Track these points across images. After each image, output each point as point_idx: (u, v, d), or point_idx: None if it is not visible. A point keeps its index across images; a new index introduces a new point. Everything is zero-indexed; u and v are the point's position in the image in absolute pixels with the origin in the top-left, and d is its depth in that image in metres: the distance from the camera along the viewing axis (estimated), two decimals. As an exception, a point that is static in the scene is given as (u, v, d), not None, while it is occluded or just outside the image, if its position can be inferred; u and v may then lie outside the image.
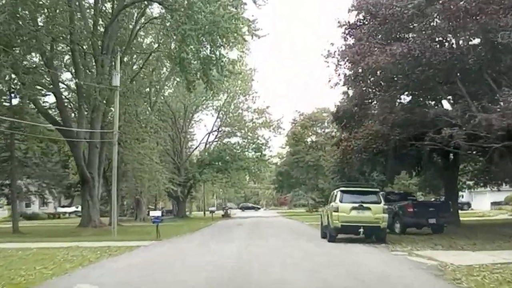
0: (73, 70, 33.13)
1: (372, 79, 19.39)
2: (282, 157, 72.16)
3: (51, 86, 33.06)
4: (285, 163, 66.68)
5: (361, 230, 17.14)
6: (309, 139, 66.67)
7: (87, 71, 32.61)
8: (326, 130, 67.19)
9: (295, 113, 67.30)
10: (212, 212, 48.04)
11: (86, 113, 33.38)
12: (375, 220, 17.37)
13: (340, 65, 21.82)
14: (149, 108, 45.09)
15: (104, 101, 31.82)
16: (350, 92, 25.80)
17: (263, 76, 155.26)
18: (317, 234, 23.33)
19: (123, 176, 39.25)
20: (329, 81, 23.16)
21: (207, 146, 61.13)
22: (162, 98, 54.20)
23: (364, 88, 21.11)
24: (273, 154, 67.37)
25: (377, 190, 19.74)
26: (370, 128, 18.79)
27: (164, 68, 45.59)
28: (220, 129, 60.69)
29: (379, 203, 17.79)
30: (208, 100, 58.73)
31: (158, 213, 24.56)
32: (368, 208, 17.47)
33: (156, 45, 39.17)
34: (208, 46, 27.55)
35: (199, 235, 25.87)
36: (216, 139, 61.46)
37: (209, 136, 61.03)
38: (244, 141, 59.45)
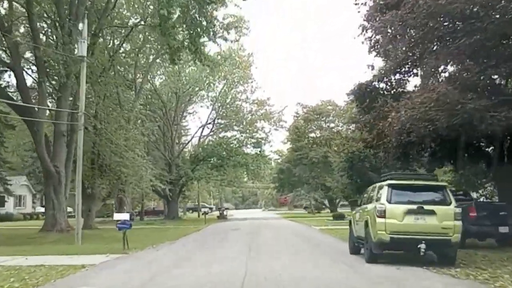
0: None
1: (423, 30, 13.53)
2: (282, 154, 66.37)
3: (9, 60, 27.46)
4: (287, 160, 60.95)
5: (423, 245, 11.22)
6: (313, 134, 61.06)
7: (51, 40, 26.91)
8: (331, 125, 61.73)
9: (297, 106, 61.72)
10: (205, 213, 42.10)
11: (49, 92, 27.66)
12: (442, 231, 11.50)
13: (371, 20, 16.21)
14: (134, 95, 39.36)
15: (74, 78, 26.10)
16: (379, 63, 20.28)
17: (264, 66, 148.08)
18: (339, 245, 17.70)
19: (102, 172, 33.60)
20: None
21: (201, 140, 55.36)
22: (151, 85, 48.62)
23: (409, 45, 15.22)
24: (274, 149, 61.77)
25: (444, 184, 13.82)
26: (432, 93, 12.54)
27: (152, 50, 39.91)
28: (215, 122, 54.96)
29: (449, 204, 11.84)
30: (202, 89, 53.18)
31: (124, 216, 18.76)
32: (432, 212, 11.55)
33: (138, 19, 33.37)
34: (196, 5, 21.87)
35: (180, 246, 20.02)
36: (212, 133, 55.72)
37: (203, 129, 55.40)
38: (242, 136, 53.82)
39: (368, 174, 38.93)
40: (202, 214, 42.73)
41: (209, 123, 54.63)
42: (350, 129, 60.17)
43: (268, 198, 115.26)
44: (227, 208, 79.14)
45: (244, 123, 53.09)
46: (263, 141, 53.01)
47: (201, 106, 58.91)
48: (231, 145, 51.30)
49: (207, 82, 50.99)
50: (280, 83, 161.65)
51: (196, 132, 56.56)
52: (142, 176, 35.20)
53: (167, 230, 30.54)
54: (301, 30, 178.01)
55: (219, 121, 54.57)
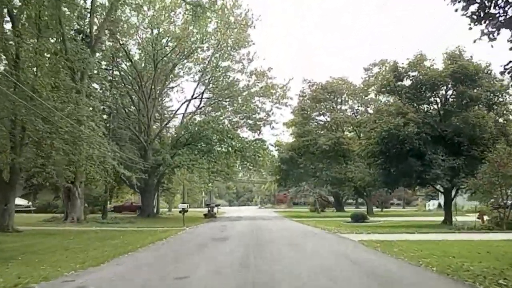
0: None
1: None
2: (280, 144, 55.13)
3: None
4: (290, 147, 50.23)
5: None
6: (322, 118, 50.65)
7: None
8: (345, 106, 51.19)
9: (303, 84, 51.12)
10: (183, 211, 31.18)
11: None
12: None
13: None
14: (88, 50, 28.49)
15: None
16: None
17: (262, 41, 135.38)
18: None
19: (23, 145, 22.98)
20: None
21: (186, 120, 44.30)
22: (121, 47, 37.87)
23: None
24: (276, 132, 51.12)
25: None
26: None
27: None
28: (203, 97, 44.04)
29: None
30: (186, 55, 42.30)
31: None
32: None
33: None
34: None
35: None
36: (199, 111, 44.78)
37: (188, 105, 44.40)
38: (236, 117, 43.13)
39: (408, 161, 28.54)
40: (180, 212, 31.57)
41: (195, 97, 43.75)
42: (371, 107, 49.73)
43: (265, 194, 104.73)
44: (217, 205, 68.48)
45: (240, 100, 42.33)
46: (262, 123, 42.28)
47: (187, 80, 47.61)
48: (222, 125, 40.44)
49: (193, 43, 40.10)
50: (279, 62, 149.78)
51: (179, 109, 45.67)
52: (93, 157, 24.50)
53: (114, 237, 19.80)
54: (299, 7, 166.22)
55: (208, 95, 43.72)
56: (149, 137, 41.72)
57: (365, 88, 49.32)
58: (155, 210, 46.28)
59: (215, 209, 52.12)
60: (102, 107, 32.05)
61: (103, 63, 36.05)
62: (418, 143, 27.27)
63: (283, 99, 43.32)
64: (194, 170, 36.65)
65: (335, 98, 49.24)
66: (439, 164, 27.06)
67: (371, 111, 50.01)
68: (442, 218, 31.45)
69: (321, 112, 49.17)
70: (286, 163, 48.79)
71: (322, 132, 48.81)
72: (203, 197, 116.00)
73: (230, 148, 39.40)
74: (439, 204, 65.17)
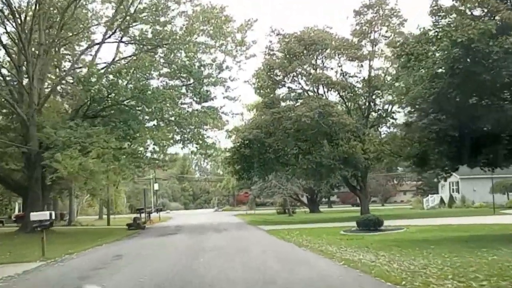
0: None
1: None
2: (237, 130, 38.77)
3: None
4: (255, 125, 34.76)
5: None
6: (302, 80, 35.60)
7: None
8: (330, 62, 36.49)
9: (270, 37, 36.03)
10: (38, 227, 15.34)
11: None
12: None
13: None
14: None
15: None
16: None
17: None
18: None
19: None
20: None
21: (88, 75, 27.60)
22: None
23: None
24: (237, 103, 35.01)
25: None
26: None
27: None
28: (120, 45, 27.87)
29: None
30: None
31: None
32: None
33: None
34: None
35: None
36: (114, 66, 28.41)
37: (96, 54, 28.21)
38: (170, 69, 27.41)
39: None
40: (35, 227, 15.61)
41: (109, 38, 27.37)
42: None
43: (222, 195, 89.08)
44: (159, 209, 52.77)
45: (173, 44, 26.56)
46: (210, 82, 26.82)
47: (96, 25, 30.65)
48: (146, 84, 24.51)
49: None
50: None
51: (81, 55, 29.31)
52: None
53: None
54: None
55: (128, 39, 27.59)
56: (31, 107, 25.72)
57: (359, 38, 35.05)
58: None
59: (146, 218, 36.87)
60: None
61: None
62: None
63: (241, 49, 28.03)
64: (90, 151, 20.69)
65: (317, 53, 34.78)
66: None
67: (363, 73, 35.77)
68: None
69: (296, 74, 34.35)
70: (249, 146, 33.64)
71: (299, 102, 34.10)
72: (163, 201, 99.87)
73: (159, 117, 24.01)
74: (441, 200, 52.20)
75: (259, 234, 23.27)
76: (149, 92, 23.22)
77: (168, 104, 23.28)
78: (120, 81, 22.79)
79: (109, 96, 23.79)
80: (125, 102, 24.49)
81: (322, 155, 32.03)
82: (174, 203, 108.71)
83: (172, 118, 24.13)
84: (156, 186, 79.44)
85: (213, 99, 26.77)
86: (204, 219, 45.88)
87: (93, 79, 22.01)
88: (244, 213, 58.37)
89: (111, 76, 23.59)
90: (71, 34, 29.00)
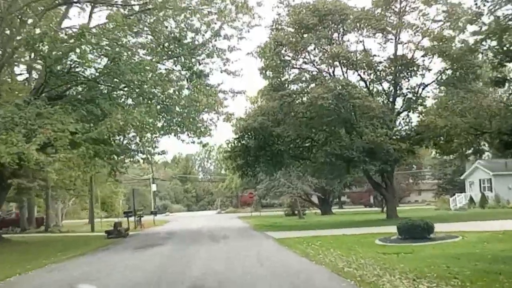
0: None
1: None
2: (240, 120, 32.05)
3: None
4: (260, 112, 28.93)
5: None
6: (316, 58, 29.72)
7: None
8: (349, 36, 30.67)
9: (278, 8, 30.30)
10: None
11: None
12: None
13: None
14: None
15: None
16: None
17: None
18: None
19: None
20: None
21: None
22: None
23: None
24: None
25: None
26: None
27: None
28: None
29: None
30: None
31: None
32: None
33: None
34: None
35: None
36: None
37: (66, 15, 22.48)
38: (154, 37, 21.65)
39: None
40: None
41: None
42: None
43: (225, 196, 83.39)
44: (154, 212, 47.29)
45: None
46: (203, 52, 21.10)
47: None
48: (122, 49, 18.84)
49: None
50: None
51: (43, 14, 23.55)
52: None
53: None
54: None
55: None
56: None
57: (382, 8, 29.35)
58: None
59: (150, 218, 31.52)
60: None
61: None
62: None
63: (242, 12, 22.22)
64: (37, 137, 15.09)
65: (333, 25, 29.10)
66: None
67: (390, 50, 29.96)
68: None
69: (309, 51, 28.54)
70: (254, 137, 27.96)
71: (313, 84, 28.35)
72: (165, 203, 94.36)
73: (134, 93, 18.42)
74: (471, 199, 46.39)
75: (268, 245, 17.65)
76: (124, 59, 17.65)
77: (149, 77, 17.67)
78: (85, 48, 17.26)
79: (72, 68, 18.25)
80: (94, 76, 18.92)
81: (343, 145, 26.33)
82: (177, 205, 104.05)
83: (156, 96, 18.53)
84: (154, 187, 73.82)
85: (207, 76, 21.22)
86: (204, 222, 40.39)
87: (46, 41, 16.48)
88: (248, 215, 52.78)
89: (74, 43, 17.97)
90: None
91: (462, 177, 49.95)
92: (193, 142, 21.15)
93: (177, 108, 20.02)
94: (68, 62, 18.58)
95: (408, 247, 14.81)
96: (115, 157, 20.95)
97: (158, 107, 19.20)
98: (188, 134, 21.17)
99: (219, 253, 14.90)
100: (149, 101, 18.36)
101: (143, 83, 17.58)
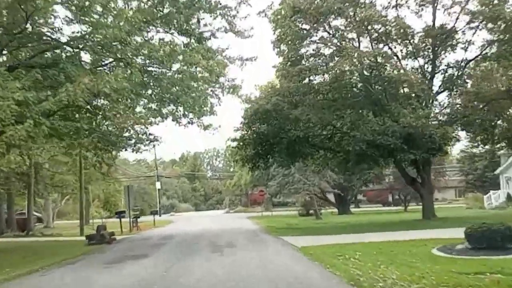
0: None
1: None
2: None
3: None
4: (274, 93, 24.03)
5: None
6: (340, 24, 24.68)
7: None
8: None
9: None
10: None
11: None
12: None
13: None
14: None
15: None
16: None
17: None
18: None
19: None
20: None
21: None
22: None
23: None
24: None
25: None
26: None
27: None
28: None
29: None
30: None
31: None
32: None
33: None
34: None
35: None
36: None
37: None
38: None
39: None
40: None
41: None
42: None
43: (234, 194, 78.55)
44: (154, 212, 42.87)
45: None
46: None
47: None
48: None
49: None
50: None
51: None
52: None
53: None
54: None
55: None
56: None
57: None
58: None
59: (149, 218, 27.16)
60: None
61: None
62: None
63: None
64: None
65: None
66: None
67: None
68: None
69: (333, 16, 23.69)
70: (266, 122, 23.16)
71: (344, 54, 23.30)
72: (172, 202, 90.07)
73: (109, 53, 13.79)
74: (508, 196, 41.30)
75: (291, 259, 12.85)
76: (97, 8, 13.05)
77: (126, 27, 13.01)
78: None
79: (28, 20, 13.64)
80: (57, 36, 14.35)
81: (375, 130, 21.47)
82: (184, 204, 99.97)
83: (138, 57, 13.93)
84: (158, 185, 69.52)
85: (209, 38, 16.50)
86: (209, 223, 35.77)
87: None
88: (259, 215, 48.02)
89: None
90: None
91: (496, 172, 44.83)
92: (191, 123, 16.41)
93: (169, 74, 15.25)
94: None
95: (491, 262, 10.18)
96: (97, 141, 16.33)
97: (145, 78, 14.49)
98: (184, 113, 16.45)
99: (218, 275, 10.19)
100: (129, 65, 13.65)
101: (124, 44, 12.97)
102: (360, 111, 23.83)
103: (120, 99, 13.70)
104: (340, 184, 45.55)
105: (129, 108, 15.44)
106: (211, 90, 16.14)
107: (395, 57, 25.37)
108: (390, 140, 21.04)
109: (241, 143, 24.86)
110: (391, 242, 15.60)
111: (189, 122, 16.51)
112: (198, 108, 15.71)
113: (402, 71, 21.74)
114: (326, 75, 23.49)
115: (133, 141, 18.77)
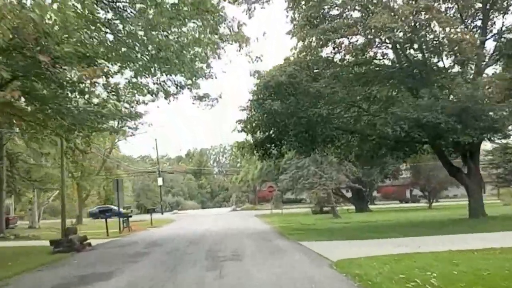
0: None
1: None
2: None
3: None
4: (288, 63, 19.50)
5: None
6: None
7: None
8: None
9: None
10: None
11: None
12: None
13: None
14: None
15: None
16: None
17: None
18: None
19: None
20: None
21: None
22: None
23: None
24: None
25: None
26: None
27: None
28: None
29: None
30: None
31: None
32: None
33: None
34: None
35: None
36: None
37: None
38: None
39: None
40: None
41: None
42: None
43: (241, 191, 73.75)
44: (152, 209, 38.39)
45: None
46: None
47: None
48: None
49: None
50: None
51: None
52: None
53: None
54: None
55: None
56: None
57: None
58: None
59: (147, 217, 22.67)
60: None
61: None
62: None
63: None
64: None
65: None
66: None
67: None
68: None
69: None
70: (279, 97, 18.36)
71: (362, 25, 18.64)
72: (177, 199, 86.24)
73: None
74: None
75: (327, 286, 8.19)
76: None
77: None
78: None
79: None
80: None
81: (419, 105, 16.70)
82: (190, 201, 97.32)
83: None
84: (160, 181, 65.11)
85: None
86: (213, 223, 31.29)
87: None
88: (268, 212, 43.41)
89: None
90: None
91: None
92: (181, 87, 11.78)
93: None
94: None
95: None
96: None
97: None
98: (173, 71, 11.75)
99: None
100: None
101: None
102: (397, 83, 19.08)
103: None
104: (359, 178, 40.79)
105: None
106: (208, 38, 11.46)
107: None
108: (441, 118, 16.24)
109: (248, 126, 20.10)
110: (463, 252, 11.01)
111: (177, 86, 11.88)
112: (188, 65, 11.04)
113: (453, 30, 16.88)
114: (354, 38, 18.70)
115: (117, 120, 14.17)
